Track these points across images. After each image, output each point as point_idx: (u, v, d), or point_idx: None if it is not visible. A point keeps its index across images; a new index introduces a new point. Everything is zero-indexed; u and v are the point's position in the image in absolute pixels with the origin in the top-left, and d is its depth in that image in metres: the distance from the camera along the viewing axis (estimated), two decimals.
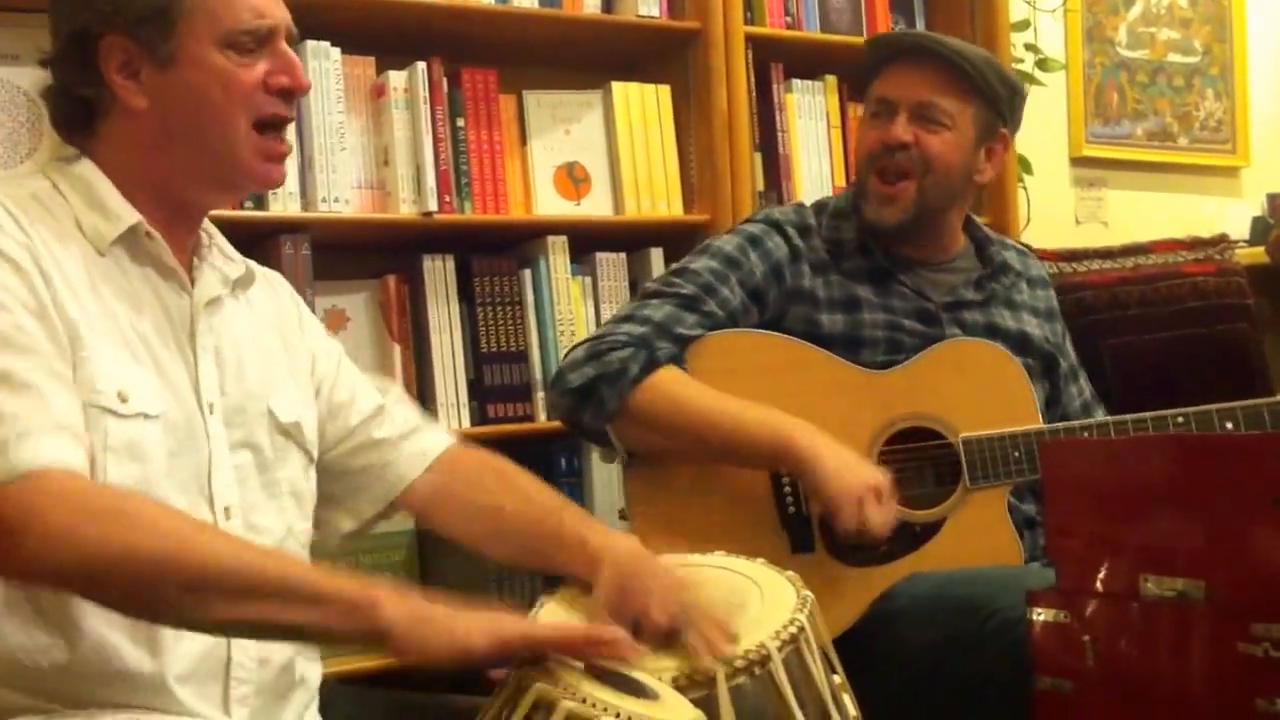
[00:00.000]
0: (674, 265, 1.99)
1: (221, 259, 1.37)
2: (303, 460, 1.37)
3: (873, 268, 1.97)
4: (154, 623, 1.16)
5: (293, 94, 1.31)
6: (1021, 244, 2.29)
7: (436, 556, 2.21)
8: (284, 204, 2.04)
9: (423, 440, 1.48)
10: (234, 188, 1.37)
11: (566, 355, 1.88)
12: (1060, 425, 1.89)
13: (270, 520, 1.31)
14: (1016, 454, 1.83)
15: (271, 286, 1.46)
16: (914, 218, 1.95)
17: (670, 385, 1.79)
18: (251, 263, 1.42)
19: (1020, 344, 1.99)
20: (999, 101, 1.97)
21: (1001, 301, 2.03)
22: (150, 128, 1.26)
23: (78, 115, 1.28)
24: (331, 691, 1.39)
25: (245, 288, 1.38)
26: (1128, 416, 1.86)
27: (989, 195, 2.78)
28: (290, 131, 2.01)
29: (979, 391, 1.87)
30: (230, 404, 1.29)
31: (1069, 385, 2.08)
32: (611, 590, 1.28)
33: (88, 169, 1.27)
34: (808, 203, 2.09)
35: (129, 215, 1.25)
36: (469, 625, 1.13)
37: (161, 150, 1.27)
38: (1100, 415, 2.07)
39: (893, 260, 1.98)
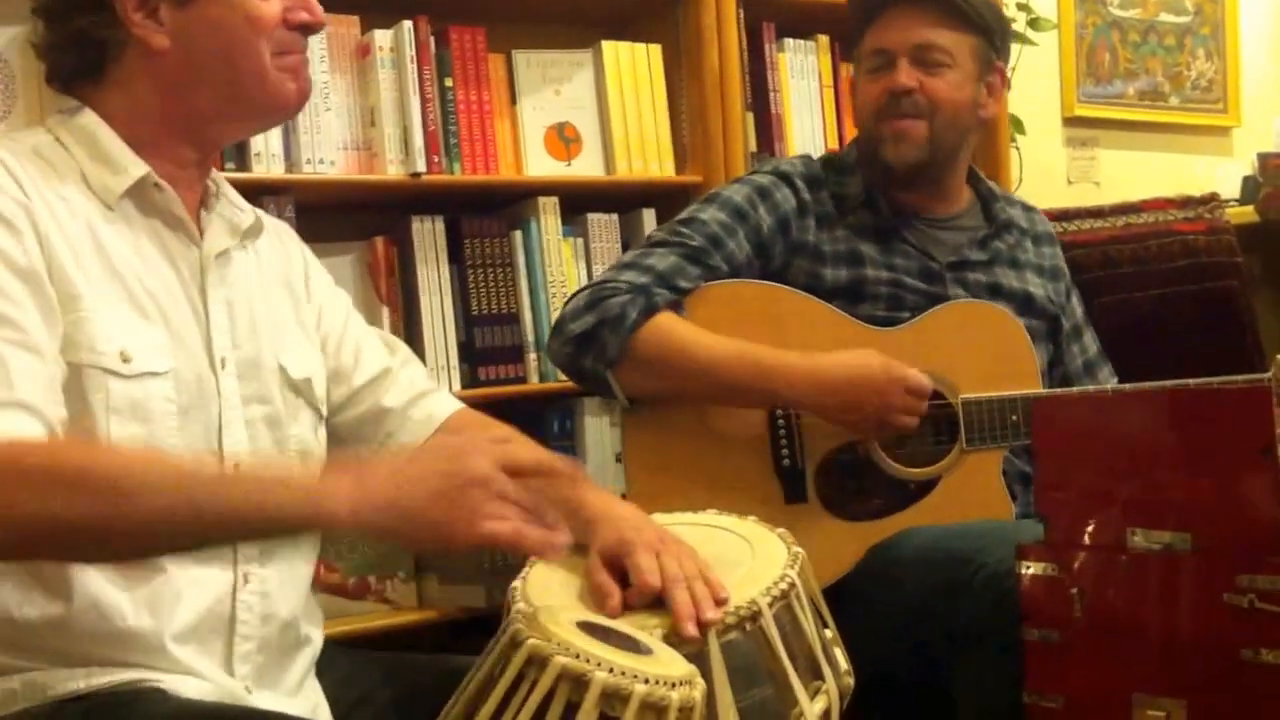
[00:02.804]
0: (683, 213, 1.96)
1: (230, 208, 1.36)
2: (312, 418, 1.37)
3: (878, 224, 1.96)
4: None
5: (310, 29, 1.32)
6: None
7: None
8: (267, 165, 2.01)
9: (428, 406, 1.46)
10: (265, 114, 1.36)
11: (567, 302, 1.88)
12: (1059, 391, 1.89)
13: None
14: (1014, 417, 1.83)
15: (279, 237, 1.45)
16: (929, 156, 1.94)
17: (670, 330, 1.79)
18: (260, 212, 1.41)
19: (1024, 305, 1.99)
20: (992, 32, 1.97)
21: (1006, 261, 2.02)
22: (174, 66, 1.25)
23: (87, 62, 1.26)
24: (328, 652, 1.39)
25: (254, 238, 1.38)
26: (1126, 386, 1.89)
27: (981, 155, 2.77)
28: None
29: (982, 353, 1.87)
30: (243, 357, 1.29)
31: (1070, 345, 2.08)
32: (606, 548, 1.28)
33: (91, 120, 1.26)
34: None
35: (136, 167, 1.24)
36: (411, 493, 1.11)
37: (187, 88, 1.26)
38: (1105, 373, 2.09)
39: (898, 214, 1.97)
